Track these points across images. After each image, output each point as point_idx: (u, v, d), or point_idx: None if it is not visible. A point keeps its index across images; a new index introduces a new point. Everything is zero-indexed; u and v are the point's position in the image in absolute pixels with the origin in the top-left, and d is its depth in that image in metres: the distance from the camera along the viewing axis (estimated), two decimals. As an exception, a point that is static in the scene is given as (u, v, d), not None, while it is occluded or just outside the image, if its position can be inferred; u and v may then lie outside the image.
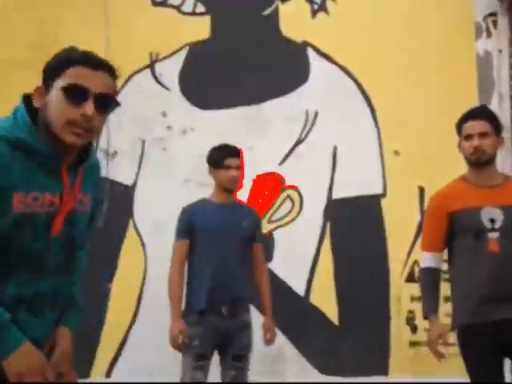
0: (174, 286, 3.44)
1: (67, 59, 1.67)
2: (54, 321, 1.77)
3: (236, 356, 3.33)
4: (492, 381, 2.82)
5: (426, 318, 2.98)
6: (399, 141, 4.26)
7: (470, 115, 2.98)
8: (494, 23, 4.27)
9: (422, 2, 4.34)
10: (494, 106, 4.22)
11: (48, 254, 1.69)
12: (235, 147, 3.47)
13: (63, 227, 1.69)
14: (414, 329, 4.16)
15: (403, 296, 4.17)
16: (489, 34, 4.28)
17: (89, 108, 1.65)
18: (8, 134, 1.62)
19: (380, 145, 4.28)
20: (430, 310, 2.94)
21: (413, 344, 4.14)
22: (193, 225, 3.40)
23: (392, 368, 4.12)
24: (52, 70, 1.67)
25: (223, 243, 3.33)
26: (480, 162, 2.94)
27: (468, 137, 2.95)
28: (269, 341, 3.46)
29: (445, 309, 4.07)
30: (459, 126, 3.02)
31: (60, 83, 1.65)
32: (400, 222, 4.18)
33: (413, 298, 4.17)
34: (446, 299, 4.08)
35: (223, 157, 3.40)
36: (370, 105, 4.33)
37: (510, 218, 2.89)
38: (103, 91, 1.68)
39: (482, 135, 2.93)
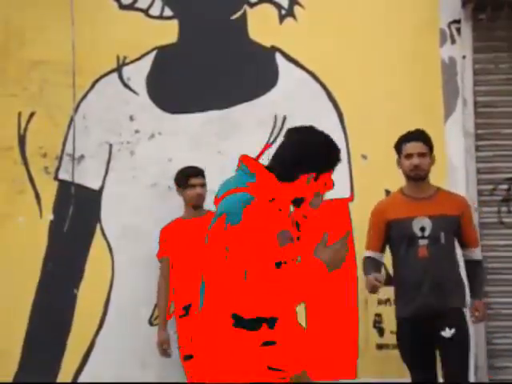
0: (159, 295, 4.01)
1: (335, 156, 2.21)
2: None
3: None
4: (420, 363, 3.43)
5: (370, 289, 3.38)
6: (366, 145, 4.30)
7: (411, 137, 3.46)
8: (458, 30, 4.34)
9: (388, 8, 4.39)
10: (458, 112, 4.30)
11: None
12: (197, 167, 3.99)
13: None
14: (381, 332, 4.20)
15: (370, 300, 4.20)
16: (453, 41, 4.35)
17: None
18: None
19: (348, 149, 4.32)
20: (367, 272, 3.41)
21: (380, 347, 4.18)
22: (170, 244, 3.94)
23: (360, 370, 4.15)
24: (325, 161, 2.20)
25: (188, 256, 3.79)
26: (418, 177, 3.43)
27: (408, 156, 3.42)
28: None
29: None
30: (399, 145, 3.48)
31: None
32: (367, 226, 4.21)
33: (380, 302, 4.21)
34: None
35: (188, 177, 3.94)
36: (337, 109, 4.36)
37: (437, 226, 3.37)
38: None
39: (421, 155, 3.41)
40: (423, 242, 3.38)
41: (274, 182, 2.16)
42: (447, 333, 3.33)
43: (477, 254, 3.56)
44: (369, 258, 3.54)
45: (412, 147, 3.42)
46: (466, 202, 3.60)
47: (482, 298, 3.57)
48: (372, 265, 3.49)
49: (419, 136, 3.46)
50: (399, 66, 4.33)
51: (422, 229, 3.39)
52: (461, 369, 3.35)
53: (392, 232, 3.47)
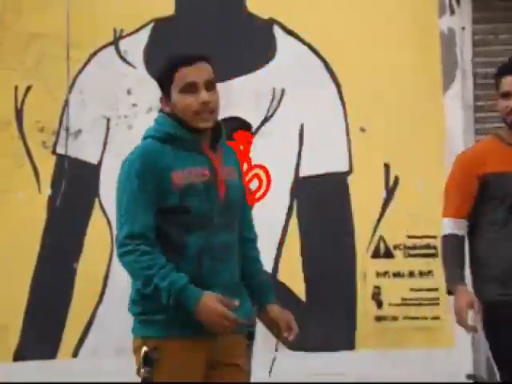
0: None
1: (171, 66, 2.08)
2: (235, 267, 2.12)
3: None
4: None
5: (449, 292, 2.59)
6: (365, 118, 4.28)
7: (510, 68, 2.64)
8: (457, 1, 4.30)
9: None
10: (457, 84, 4.27)
11: (213, 215, 2.05)
12: None
13: (223, 194, 2.08)
14: (379, 304, 4.22)
15: (369, 272, 4.23)
16: (452, 12, 4.30)
17: (203, 96, 2.06)
18: (157, 133, 2.08)
19: (346, 122, 4.30)
20: (456, 277, 2.54)
21: (378, 319, 4.21)
22: None
23: (358, 342, 4.18)
24: (164, 79, 2.09)
25: None
26: None
27: (506, 95, 2.60)
28: None
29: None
30: (496, 79, 2.68)
31: (176, 88, 2.06)
32: (366, 199, 4.22)
33: (378, 274, 4.23)
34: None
35: None
36: (335, 82, 4.34)
37: None
38: (207, 77, 2.09)
39: None
40: None
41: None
42: None
43: None
44: (452, 237, 2.59)
45: (510, 83, 2.58)
46: None
47: None
48: (460, 261, 2.58)
49: None
50: (398, 38, 4.29)
51: None
52: None
53: (484, 191, 2.55)
